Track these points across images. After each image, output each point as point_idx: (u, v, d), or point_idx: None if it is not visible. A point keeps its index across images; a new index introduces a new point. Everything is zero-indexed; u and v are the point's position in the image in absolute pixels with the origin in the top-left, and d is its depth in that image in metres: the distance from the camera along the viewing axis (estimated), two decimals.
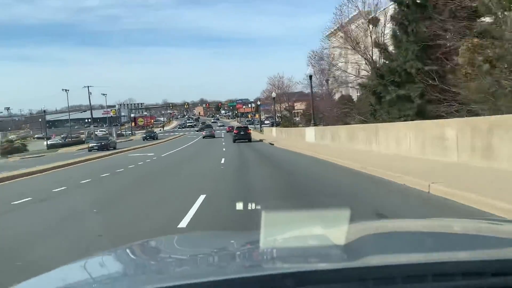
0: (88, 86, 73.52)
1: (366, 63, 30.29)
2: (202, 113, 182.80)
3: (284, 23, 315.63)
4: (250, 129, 45.34)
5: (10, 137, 71.34)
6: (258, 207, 6.60)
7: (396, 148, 14.78)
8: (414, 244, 1.66)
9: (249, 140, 39.56)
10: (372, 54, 29.35)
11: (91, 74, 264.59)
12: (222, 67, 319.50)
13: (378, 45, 24.28)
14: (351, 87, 36.09)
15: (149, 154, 28.31)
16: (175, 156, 27.08)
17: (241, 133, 40.06)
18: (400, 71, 19.42)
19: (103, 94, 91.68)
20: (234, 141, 38.98)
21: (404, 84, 19.23)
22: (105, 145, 37.99)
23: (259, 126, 76.28)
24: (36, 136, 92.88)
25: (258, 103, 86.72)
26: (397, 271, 1.11)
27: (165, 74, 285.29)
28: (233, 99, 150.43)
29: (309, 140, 29.77)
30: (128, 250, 1.87)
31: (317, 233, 1.77)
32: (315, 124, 30.36)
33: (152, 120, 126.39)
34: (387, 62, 21.89)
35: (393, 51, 21.49)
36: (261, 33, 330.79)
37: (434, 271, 1.10)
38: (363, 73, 31.25)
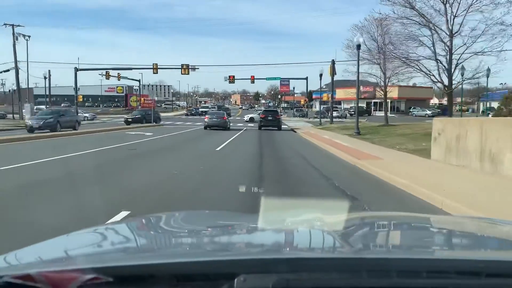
0: (11, 24, 42.46)
1: None
2: (238, 101, 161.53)
3: (339, 20, 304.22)
4: (280, 114, 37.82)
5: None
6: None
7: None
8: (411, 239, 1.65)
9: (279, 128, 32.88)
10: None
11: (140, 59, 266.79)
12: (273, 61, 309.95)
13: None
14: None
15: None
16: None
17: (269, 118, 33.22)
18: None
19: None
20: (260, 127, 32.47)
21: None
22: None
23: (326, 118, 46.32)
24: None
25: (336, 60, 39.04)
26: (392, 265, 1.10)
27: (211, 64, 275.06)
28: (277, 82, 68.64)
29: None
30: (130, 224, 1.90)
31: (314, 221, 1.77)
32: None
33: (147, 100, 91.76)
34: None
35: None
36: (315, 29, 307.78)
37: (429, 268, 1.09)
38: None
